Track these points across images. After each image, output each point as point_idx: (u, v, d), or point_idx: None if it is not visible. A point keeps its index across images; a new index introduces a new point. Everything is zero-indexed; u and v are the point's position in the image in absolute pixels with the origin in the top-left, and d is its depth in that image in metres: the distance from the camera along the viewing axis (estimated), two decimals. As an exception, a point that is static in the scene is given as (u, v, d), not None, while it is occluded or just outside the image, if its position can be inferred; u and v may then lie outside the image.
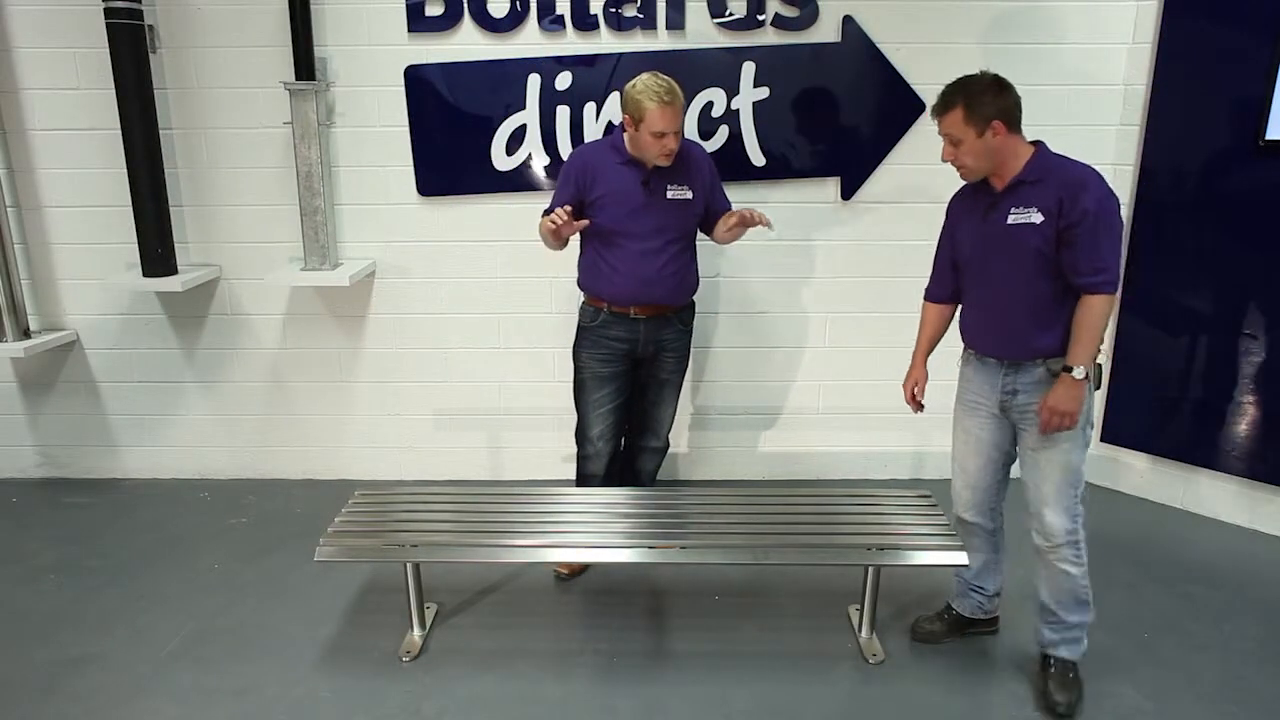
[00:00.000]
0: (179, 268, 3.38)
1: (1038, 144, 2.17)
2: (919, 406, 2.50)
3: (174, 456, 3.73)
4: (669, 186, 2.64)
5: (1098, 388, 2.22)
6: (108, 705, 2.32)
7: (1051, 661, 2.31)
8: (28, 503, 3.55)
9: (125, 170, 3.21)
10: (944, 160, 2.22)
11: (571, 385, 2.86)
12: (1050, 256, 2.10)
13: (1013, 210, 2.13)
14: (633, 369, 2.83)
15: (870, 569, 2.52)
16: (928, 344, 2.47)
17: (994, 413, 2.30)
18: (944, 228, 2.41)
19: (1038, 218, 2.10)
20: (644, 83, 2.50)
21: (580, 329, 2.82)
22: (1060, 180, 2.09)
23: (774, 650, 2.55)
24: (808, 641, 2.59)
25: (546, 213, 2.69)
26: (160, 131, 3.24)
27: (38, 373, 3.62)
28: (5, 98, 3.29)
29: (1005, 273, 2.19)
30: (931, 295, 2.47)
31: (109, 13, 3.03)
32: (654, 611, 2.76)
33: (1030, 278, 2.14)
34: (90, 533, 3.27)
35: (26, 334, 3.43)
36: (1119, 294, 2.20)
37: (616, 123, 2.66)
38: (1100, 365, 2.20)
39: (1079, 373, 2.10)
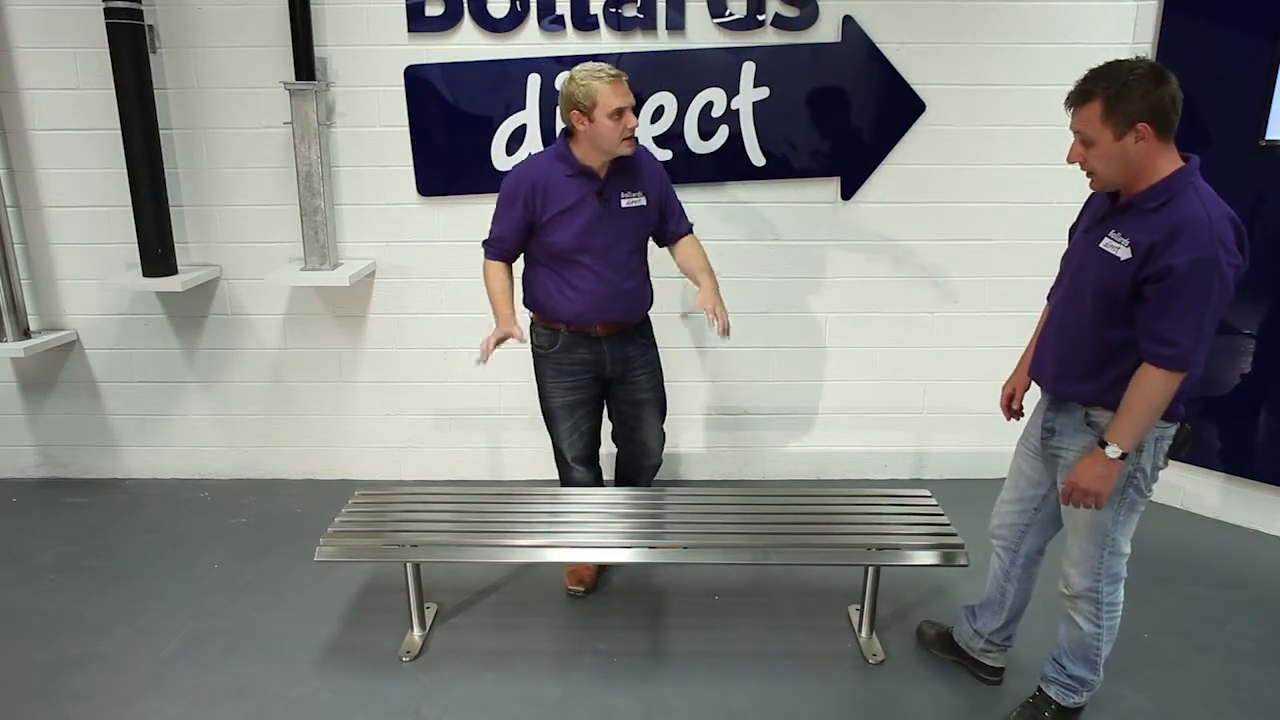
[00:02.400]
0: (179, 268, 3.38)
1: (1188, 160, 1.79)
2: (1012, 414, 2.26)
3: (174, 456, 3.73)
4: (623, 195, 2.50)
5: (1175, 457, 1.95)
6: (108, 705, 2.32)
7: (1038, 691, 2.23)
8: (28, 503, 3.55)
9: (125, 170, 3.20)
10: (1069, 162, 1.86)
11: (540, 412, 2.76)
12: (1123, 303, 1.80)
13: (1111, 233, 1.82)
14: (603, 390, 2.73)
15: (870, 569, 2.52)
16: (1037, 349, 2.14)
17: (1036, 448, 2.12)
18: (1074, 223, 2.07)
19: (1125, 253, 1.77)
20: (583, 70, 2.38)
21: (539, 356, 2.66)
22: (1167, 218, 1.73)
23: (774, 650, 2.55)
24: (808, 641, 2.60)
25: (487, 243, 2.60)
26: (160, 131, 3.24)
27: (38, 373, 3.62)
28: (5, 98, 3.28)
29: (1078, 298, 1.91)
30: (1051, 294, 2.13)
31: (109, 13, 3.03)
32: (654, 611, 2.76)
33: (1098, 317, 1.86)
34: (90, 533, 3.27)
35: (26, 334, 3.43)
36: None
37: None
38: (1189, 429, 1.94)
39: (1113, 451, 1.82)
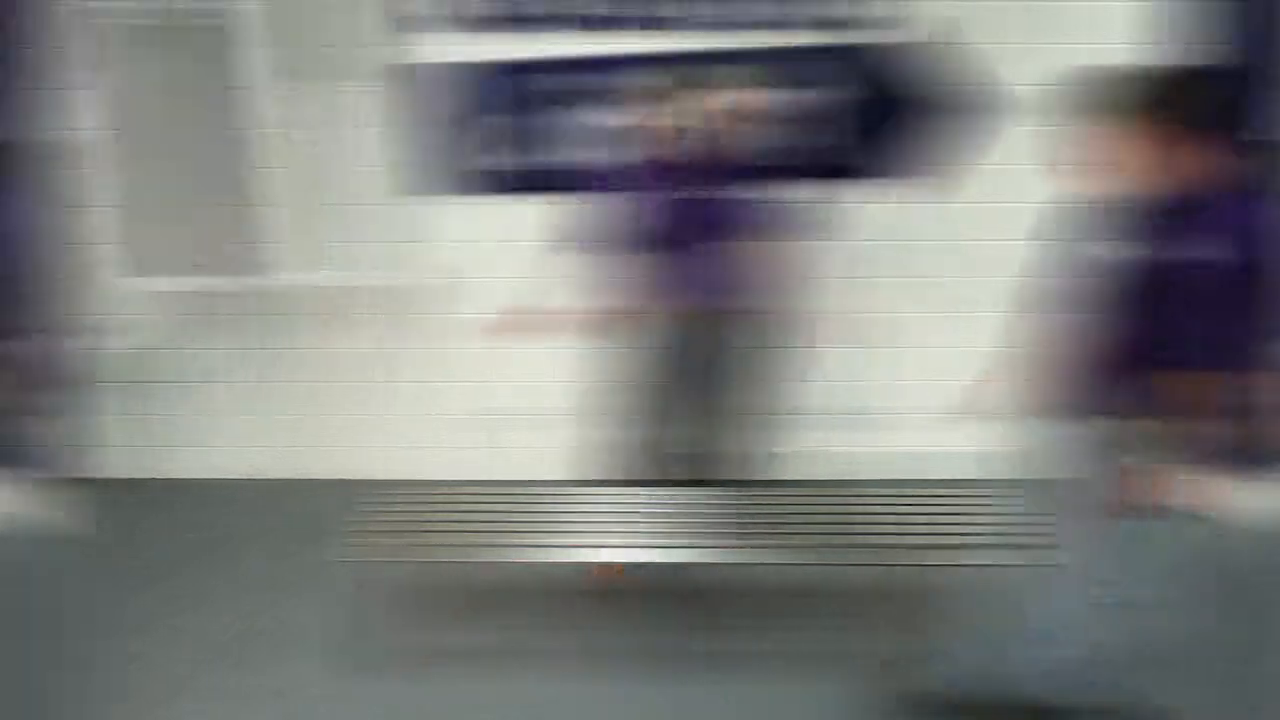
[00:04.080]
0: (186, 268, 3.41)
1: (1226, 159, 1.77)
2: (1026, 418, 2.23)
3: (214, 456, 3.78)
4: (712, 189, 2.62)
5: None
6: (147, 706, 2.38)
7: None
8: (57, 503, 3.55)
9: (133, 171, 3.24)
10: (1098, 171, 1.86)
11: (635, 392, 2.83)
12: (1156, 308, 1.82)
13: (1144, 237, 1.83)
14: (698, 377, 2.81)
15: (906, 571, 2.51)
16: None
17: (1065, 457, 2.09)
18: (1093, 225, 2.07)
19: (1159, 256, 1.79)
20: (648, 76, 2.57)
21: (647, 339, 2.77)
22: (1205, 220, 1.73)
23: (773, 650, 2.56)
24: (810, 642, 2.60)
25: (581, 238, 2.70)
26: (174, 132, 3.27)
27: (73, 371, 3.62)
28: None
29: (1109, 302, 1.92)
30: (1073, 298, 2.15)
31: (109, 13, 3.07)
32: (655, 612, 2.77)
33: (1129, 322, 1.88)
34: (129, 532, 3.34)
35: (51, 333, 3.42)
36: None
37: (621, 126, 2.70)
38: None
39: (1153, 460, 1.86)
